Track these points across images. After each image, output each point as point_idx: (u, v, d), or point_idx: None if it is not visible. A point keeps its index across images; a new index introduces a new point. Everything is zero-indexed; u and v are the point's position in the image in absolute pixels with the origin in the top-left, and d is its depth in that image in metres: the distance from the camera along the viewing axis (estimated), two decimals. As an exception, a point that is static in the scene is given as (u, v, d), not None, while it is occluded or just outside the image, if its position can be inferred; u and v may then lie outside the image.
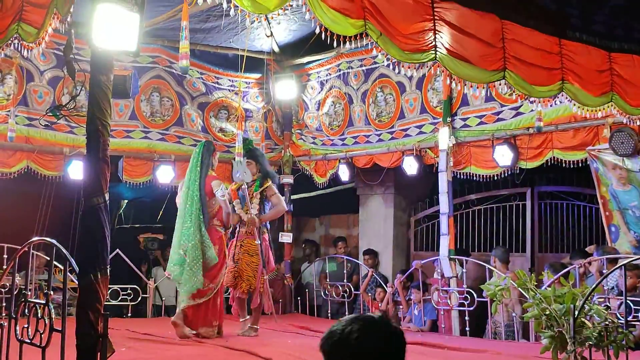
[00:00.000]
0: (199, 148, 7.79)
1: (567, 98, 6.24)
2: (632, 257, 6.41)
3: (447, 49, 5.56)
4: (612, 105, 6.45)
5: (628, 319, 5.26)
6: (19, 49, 5.30)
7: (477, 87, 5.89)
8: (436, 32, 5.51)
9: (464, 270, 8.58)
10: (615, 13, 6.19)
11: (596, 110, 6.51)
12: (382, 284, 9.75)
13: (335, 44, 5.29)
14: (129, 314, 9.51)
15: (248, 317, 7.87)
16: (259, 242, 7.73)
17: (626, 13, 6.21)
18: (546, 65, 6.06)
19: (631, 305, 5.78)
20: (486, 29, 5.76)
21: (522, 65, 5.89)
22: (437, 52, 5.54)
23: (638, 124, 6.95)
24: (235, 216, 7.83)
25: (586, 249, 8.16)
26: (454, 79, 5.76)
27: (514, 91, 5.99)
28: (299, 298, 10.62)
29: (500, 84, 5.87)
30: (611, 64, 6.32)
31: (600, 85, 6.31)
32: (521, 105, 8.17)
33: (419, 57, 5.53)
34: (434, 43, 5.52)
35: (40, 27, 5.05)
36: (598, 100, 6.34)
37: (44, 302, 4.36)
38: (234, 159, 8.11)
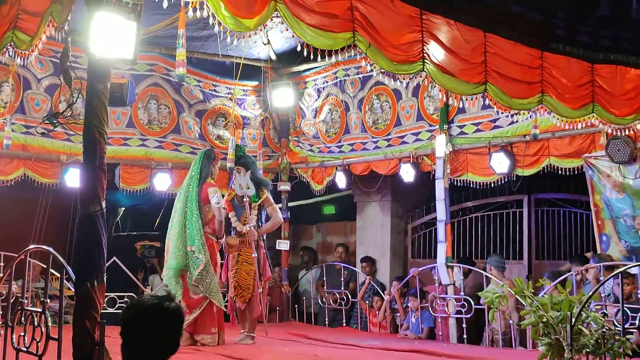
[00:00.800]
0: (200, 156, 7.85)
1: (546, 110, 6.31)
2: (629, 265, 6.42)
3: (432, 60, 5.64)
4: (593, 117, 6.49)
5: (625, 326, 5.26)
6: (14, 56, 5.31)
7: (465, 99, 6.01)
8: (424, 43, 5.61)
9: (462, 278, 8.58)
10: (602, 23, 6.21)
11: (576, 122, 6.56)
12: (380, 291, 9.74)
13: (319, 58, 5.38)
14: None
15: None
16: (255, 255, 7.72)
17: (613, 23, 6.24)
18: (526, 78, 6.17)
19: (628, 312, 5.79)
20: (470, 43, 5.85)
21: (502, 78, 6.01)
22: (425, 64, 5.63)
23: (634, 131, 6.99)
24: (232, 240, 7.83)
25: (586, 255, 8.17)
26: (447, 92, 5.86)
27: (494, 103, 6.07)
28: (296, 306, 10.60)
29: (481, 96, 5.98)
30: (593, 75, 6.37)
31: (580, 97, 6.39)
32: (517, 113, 8.18)
33: (407, 68, 5.66)
34: (421, 54, 5.61)
35: (34, 35, 5.06)
36: (577, 113, 6.41)
37: (40, 310, 4.36)
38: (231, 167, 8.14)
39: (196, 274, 7.35)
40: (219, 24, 4.93)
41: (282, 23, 5.16)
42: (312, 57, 5.41)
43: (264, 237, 8.00)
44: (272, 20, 5.17)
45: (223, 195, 8.03)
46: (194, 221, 7.48)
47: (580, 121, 6.59)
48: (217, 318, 7.52)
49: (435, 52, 5.67)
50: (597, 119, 6.56)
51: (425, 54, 5.61)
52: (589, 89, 6.41)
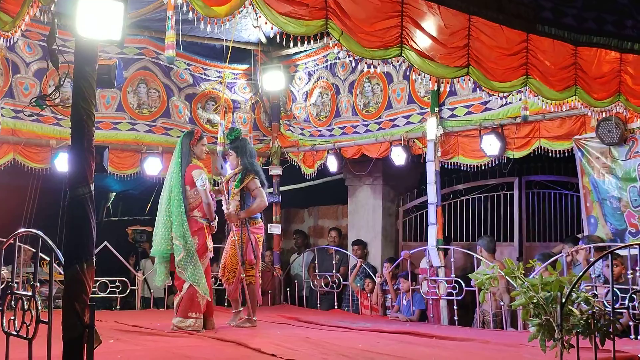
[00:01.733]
0: (181, 137, 7.66)
1: (531, 92, 6.32)
2: (618, 245, 6.46)
3: (412, 45, 5.66)
4: (576, 99, 6.51)
5: (615, 307, 5.29)
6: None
7: (453, 82, 6.04)
8: (403, 28, 5.64)
9: (452, 260, 8.61)
10: (588, 5, 6.21)
11: (561, 104, 6.57)
12: (371, 274, 9.77)
13: (292, 44, 5.42)
14: (118, 307, 9.48)
15: (242, 308, 7.87)
16: (236, 238, 7.68)
17: (599, 6, 6.24)
18: (510, 61, 6.19)
19: (618, 293, 5.81)
20: (451, 27, 5.86)
21: (485, 61, 6.00)
22: (403, 49, 5.66)
23: (618, 110, 7.00)
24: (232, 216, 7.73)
25: (577, 236, 8.20)
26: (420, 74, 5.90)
27: (478, 86, 6.07)
28: (288, 289, 10.62)
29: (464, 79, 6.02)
30: (576, 58, 6.38)
31: (563, 80, 6.41)
32: (506, 95, 8.18)
33: (382, 54, 5.71)
34: (399, 40, 5.63)
35: (17, 15, 5.02)
36: (561, 95, 6.43)
37: (30, 294, 4.34)
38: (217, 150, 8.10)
39: (177, 260, 7.30)
40: (193, 10, 5.02)
41: (255, 11, 5.18)
42: (298, 44, 5.45)
43: (246, 222, 7.82)
44: (245, 7, 5.17)
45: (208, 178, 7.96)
46: (176, 207, 7.33)
47: (564, 103, 6.59)
48: (201, 304, 7.40)
49: (415, 37, 5.71)
50: (579, 101, 6.57)
51: (403, 39, 5.66)
52: (572, 72, 6.43)
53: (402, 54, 5.67)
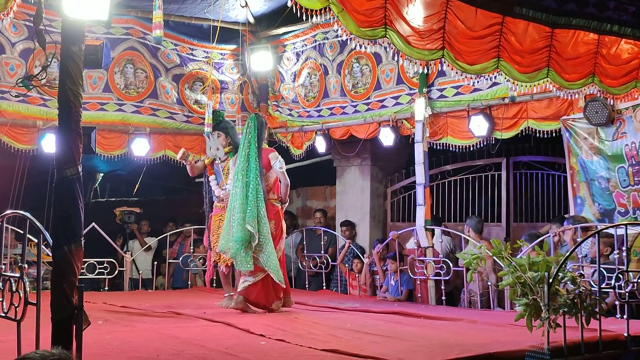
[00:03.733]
0: (252, 122, 7.45)
1: (503, 75, 6.32)
2: (605, 225, 6.50)
3: (394, 27, 5.65)
4: (547, 81, 6.50)
5: (601, 286, 5.34)
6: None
7: (441, 62, 6.05)
8: (386, 9, 5.60)
9: (446, 239, 8.65)
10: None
11: (532, 86, 6.55)
12: (359, 255, 9.80)
13: (304, 18, 5.33)
14: (106, 288, 9.49)
15: (233, 292, 7.92)
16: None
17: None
18: (483, 44, 6.14)
19: (604, 272, 5.86)
20: (430, 8, 5.83)
21: (457, 44, 5.99)
22: (387, 30, 5.65)
23: (592, 91, 7.01)
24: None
25: (565, 216, 8.24)
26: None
27: (452, 69, 6.08)
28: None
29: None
30: (552, 40, 6.33)
31: (534, 62, 6.36)
32: (496, 76, 8.19)
33: (371, 34, 5.70)
34: (383, 20, 5.61)
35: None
36: (531, 77, 6.39)
37: (18, 275, 4.33)
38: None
39: (254, 247, 7.22)
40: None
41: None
42: (299, 16, 5.36)
43: None
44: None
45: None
46: (252, 191, 7.19)
47: (534, 86, 6.57)
48: (275, 289, 7.35)
49: (397, 18, 5.69)
50: (551, 83, 6.56)
51: (387, 20, 5.64)
52: (546, 54, 6.37)
53: (387, 35, 5.66)
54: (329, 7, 5.29)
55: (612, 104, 7.30)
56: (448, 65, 6.07)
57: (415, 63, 6.00)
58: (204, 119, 9.23)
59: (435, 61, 6.09)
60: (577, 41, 6.41)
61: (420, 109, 8.83)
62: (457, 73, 6.19)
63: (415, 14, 5.78)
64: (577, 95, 7.07)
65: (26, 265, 4.42)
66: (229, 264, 7.73)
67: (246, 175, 7.27)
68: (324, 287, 10.08)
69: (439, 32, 5.90)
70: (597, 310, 5.12)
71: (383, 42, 5.77)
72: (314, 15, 5.32)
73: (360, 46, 5.80)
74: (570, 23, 6.13)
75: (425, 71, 8.40)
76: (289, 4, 5.21)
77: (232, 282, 8.03)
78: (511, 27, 6.13)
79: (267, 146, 7.68)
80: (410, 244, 9.06)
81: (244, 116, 10.80)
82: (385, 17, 5.61)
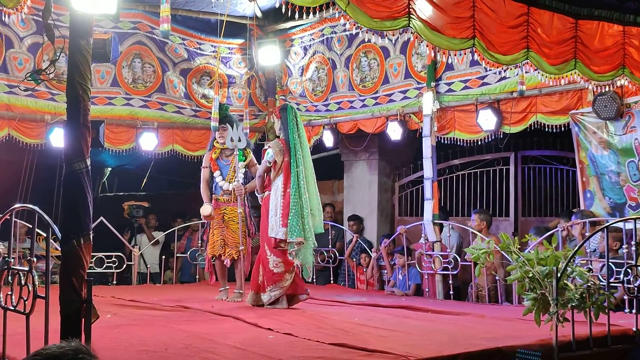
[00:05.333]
0: (293, 113, 7.37)
1: (532, 66, 6.30)
2: (614, 220, 6.47)
3: (419, 16, 5.57)
4: (575, 73, 6.48)
5: (610, 281, 5.33)
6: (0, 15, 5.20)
7: (454, 54, 5.97)
8: None
9: (455, 233, 8.64)
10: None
11: (560, 78, 6.53)
12: (367, 249, 9.80)
13: (304, 15, 5.29)
14: (114, 282, 9.51)
15: (228, 286, 7.99)
16: (241, 210, 7.72)
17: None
18: (512, 34, 6.13)
19: (613, 267, 5.84)
20: None
21: (489, 34, 5.94)
22: (411, 19, 5.55)
23: (619, 85, 6.98)
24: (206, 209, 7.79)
25: (573, 210, 8.22)
26: (434, 47, 5.81)
27: (482, 59, 6.03)
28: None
29: (472, 52, 5.96)
30: (577, 31, 6.34)
31: (561, 53, 6.36)
32: (506, 70, 8.16)
33: (390, 25, 5.56)
34: (407, 10, 5.53)
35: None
36: (560, 68, 6.38)
37: (27, 269, 4.34)
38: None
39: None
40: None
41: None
42: (296, 15, 5.33)
43: (248, 196, 7.96)
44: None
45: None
46: (313, 185, 7.40)
47: (563, 77, 6.56)
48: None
49: (422, 7, 5.60)
50: (579, 75, 6.54)
51: (411, 9, 5.54)
52: (572, 45, 6.38)
53: (410, 25, 5.55)
54: (332, 2, 5.24)
55: (620, 98, 7.27)
56: (478, 55, 6.01)
57: (438, 51, 5.91)
58: (211, 113, 9.26)
59: (443, 52, 6.00)
60: (603, 33, 6.39)
61: (428, 103, 8.81)
62: (487, 63, 6.14)
63: (441, 3, 5.72)
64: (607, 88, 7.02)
65: (35, 259, 4.43)
66: (233, 257, 7.80)
67: (307, 168, 7.30)
68: (332, 281, 10.08)
69: (469, 21, 5.84)
70: (605, 304, 5.10)
71: (393, 34, 5.71)
72: (320, 11, 5.29)
73: (369, 40, 5.75)
74: (593, 14, 6.12)
75: (434, 62, 8.44)
76: (277, 4, 5.18)
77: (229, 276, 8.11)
78: (537, 17, 6.13)
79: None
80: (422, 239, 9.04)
81: (251, 110, 10.80)
82: (409, 5, 5.51)
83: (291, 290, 7.23)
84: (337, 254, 10.08)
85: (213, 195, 7.96)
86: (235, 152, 7.81)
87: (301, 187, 7.12)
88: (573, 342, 5.01)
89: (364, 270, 9.72)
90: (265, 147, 7.46)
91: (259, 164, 7.75)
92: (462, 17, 5.81)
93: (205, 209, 7.85)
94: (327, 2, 5.22)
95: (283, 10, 5.29)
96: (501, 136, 8.73)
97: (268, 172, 7.31)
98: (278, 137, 7.42)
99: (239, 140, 7.67)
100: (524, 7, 6.02)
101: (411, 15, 5.53)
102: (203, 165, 8.05)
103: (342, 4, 5.24)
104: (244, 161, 7.87)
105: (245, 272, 7.86)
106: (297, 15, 5.29)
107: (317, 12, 5.28)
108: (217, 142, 8.02)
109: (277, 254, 7.13)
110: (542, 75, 6.44)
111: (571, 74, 6.47)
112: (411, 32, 5.65)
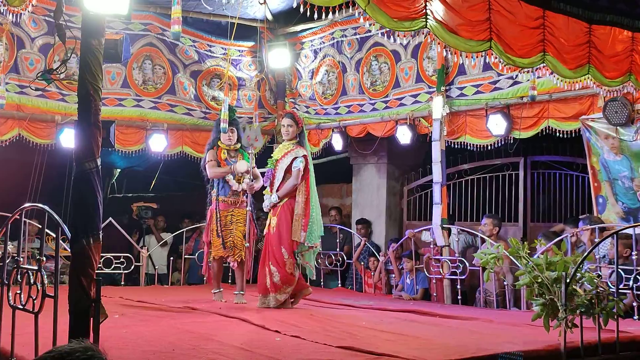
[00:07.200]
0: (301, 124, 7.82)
1: (548, 70, 6.28)
2: (623, 226, 6.45)
3: (435, 17, 5.55)
4: (589, 78, 6.47)
5: (619, 287, 5.30)
6: (5, 14, 5.22)
7: (467, 57, 5.96)
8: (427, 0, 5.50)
9: (463, 237, 8.64)
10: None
11: (574, 82, 6.52)
12: (375, 253, 9.79)
13: (315, 16, 5.26)
14: (122, 283, 9.53)
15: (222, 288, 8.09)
16: (249, 209, 7.84)
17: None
18: (529, 36, 6.11)
19: (622, 273, 5.82)
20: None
21: (507, 36, 5.91)
22: (428, 20, 5.53)
23: (628, 90, 6.96)
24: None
25: (580, 217, 8.18)
26: (447, 48, 5.78)
27: (500, 61, 6.02)
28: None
29: (487, 54, 5.93)
30: (590, 36, 6.32)
31: (577, 57, 6.34)
32: (518, 75, 8.13)
33: (409, 25, 5.53)
34: (424, 10, 5.51)
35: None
36: (574, 73, 6.37)
37: (36, 268, 4.36)
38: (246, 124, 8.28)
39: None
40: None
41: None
42: (313, 15, 5.28)
43: (252, 198, 7.98)
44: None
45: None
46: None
47: (577, 82, 6.55)
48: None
49: (439, 8, 5.58)
50: (592, 80, 6.53)
51: (428, 10, 5.52)
52: (586, 50, 6.37)
53: (427, 26, 5.53)
54: (353, 2, 5.21)
55: (631, 103, 7.24)
56: (495, 58, 5.99)
57: (453, 54, 5.90)
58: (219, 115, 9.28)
59: (455, 52, 5.95)
60: (614, 38, 6.39)
61: (438, 107, 8.79)
62: (504, 66, 6.13)
63: (458, 5, 5.70)
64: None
65: (44, 259, 4.45)
66: (239, 259, 7.88)
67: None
68: (340, 285, 10.07)
69: (486, 23, 5.82)
70: (614, 311, 5.08)
71: (405, 36, 5.70)
72: (335, 12, 5.27)
73: (381, 37, 5.69)
74: (605, 19, 6.11)
75: (446, 67, 8.42)
76: (294, 5, 5.16)
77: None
78: (553, 21, 6.11)
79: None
80: (425, 236, 9.02)
81: (261, 113, 10.81)
82: (426, 7, 5.50)
83: (297, 287, 7.50)
84: (345, 258, 10.07)
85: (219, 197, 7.96)
86: (250, 152, 7.87)
87: (315, 195, 7.60)
88: (581, 348, 4.98)
89: (372, 273, 9.72)
90: (294, 155, 7.51)
91: (258, 166, 8.02)
92: (478, 20, 5.79)
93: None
94: (347, 1, 5.19)
95: (301, 10, 5.23)
96: (511, 141, 8.71)
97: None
98: (291, 140, 7.62)
99: (256, 140, 7.76)
100: (540, 10, 6.00)
101: (428, 17, 5.51)
102: (208, 159, 7.99)
103: (362, 4, 5.20)
104: (249, 162, 7.91)
105: (247, 274, 7.92)
106: (315, 16, 5.23)
107: (337, 11, 5.24)
108: (222, 143, 8.04)
109: (292, 256, 7.39)
110: (558, 79, 6.41)
111: (584, 79, 6.45)
112: (428, 34, 5.63)
